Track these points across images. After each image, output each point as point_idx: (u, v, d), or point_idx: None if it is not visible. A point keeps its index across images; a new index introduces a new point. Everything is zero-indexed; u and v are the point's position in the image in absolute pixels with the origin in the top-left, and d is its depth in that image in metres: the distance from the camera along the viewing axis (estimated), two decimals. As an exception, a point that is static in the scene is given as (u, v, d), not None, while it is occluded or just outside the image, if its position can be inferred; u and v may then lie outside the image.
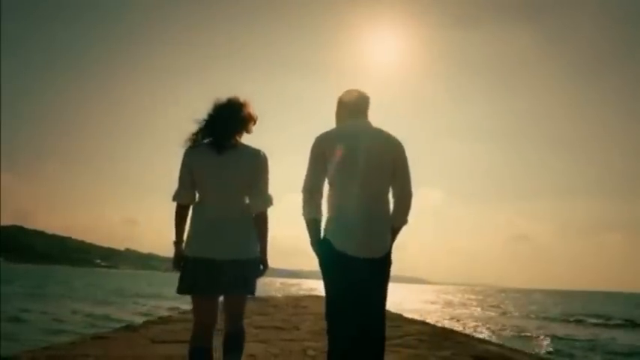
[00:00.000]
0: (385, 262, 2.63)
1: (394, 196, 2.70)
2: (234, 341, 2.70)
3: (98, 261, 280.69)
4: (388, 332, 4.11)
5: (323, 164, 2.61)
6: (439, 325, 10.52)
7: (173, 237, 2.63)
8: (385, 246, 2.63)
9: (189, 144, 2.61)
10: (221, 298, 2.68)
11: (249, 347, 4.81)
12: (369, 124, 2.73)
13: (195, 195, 2.64)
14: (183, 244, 2.61)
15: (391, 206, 2.70)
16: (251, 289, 2.63)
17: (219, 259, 2.51)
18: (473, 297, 65.64)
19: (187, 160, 2.59)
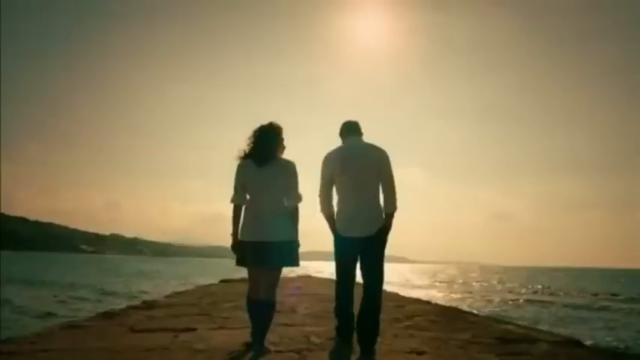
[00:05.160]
0: (377, 237, 3.69)
1: (383, 191, 3.73)
2: (266, 307, 3.66)
3: (84, 247, 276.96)
4: (393, 313, 5.79)
5: (330, 173, 3.77)
6: (440, 303, 9.98)
7: (231, 230, 3.63)
8: (376, 225, 3.68)
9: (240, 160, 3.63)
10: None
11: (244, 335, 4.17)
12: (361, 140, 3.86)
13: (246, 197, 3.64)
14: (239, 233, 3.62)
15: (381, 199, 3.75)
16: (292, 261, 3.63)
17: (264, 241, 3.51)
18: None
19: (239, 172, 3.62)
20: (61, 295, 19.41)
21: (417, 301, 9.14)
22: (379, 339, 3.79)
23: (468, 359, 3.54)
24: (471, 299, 24.47)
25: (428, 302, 9.05)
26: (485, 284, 42.36)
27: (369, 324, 3.64)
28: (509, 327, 5.39)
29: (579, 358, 3.72)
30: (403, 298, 9.70)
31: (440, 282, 45.65)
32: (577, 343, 4.55)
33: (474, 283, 42.99)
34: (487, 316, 6.88)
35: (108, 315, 5.75)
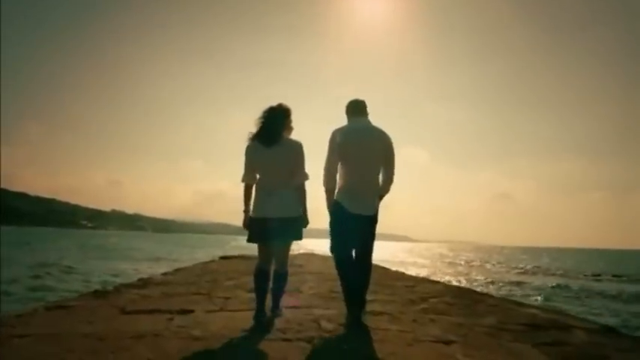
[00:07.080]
0: (374, 218, 3.82)
1: (383, 174, 3.84)
2: (280, 277, 3.90)
3: (84, 222, 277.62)
4: (404, 294, 5.90)
5: (337, 150, 3.73)
6: (451, 284, 9.60)
7: (242, 207, 3.77)
8: (374, 207, 3.81)
9: (249, 141, 3.73)
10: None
11: (245, 319, 3.75)
12: (368, 122, 3.87)
13: (256, 177, 3.78)
14: (250, 211, 3.75)
15: (380, 180, 3.84)
16: (298, 236, 3.78)
17: (270, 217, 3.67)
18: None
19: (247, 152, 3.74)
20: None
21: (427, 280, 8.74)
22: (396, 326, 3.67)
23: (502, 350, 3.10)
24: (455, 277, 24.10)
25: (436, 282, 8.66)
26: (475, 263, 41.98)
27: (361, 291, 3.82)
28: (533, 311, 4.96)
29: (626, 350, 3.28)
30: (411, 277, 9.31)
31: (423, 259, 45.30)
32: (612, 330, 4.13)
33: (462, 262, 42.62)
34: (506, 299, 6.44)
35: (99, 294, 5.32)
